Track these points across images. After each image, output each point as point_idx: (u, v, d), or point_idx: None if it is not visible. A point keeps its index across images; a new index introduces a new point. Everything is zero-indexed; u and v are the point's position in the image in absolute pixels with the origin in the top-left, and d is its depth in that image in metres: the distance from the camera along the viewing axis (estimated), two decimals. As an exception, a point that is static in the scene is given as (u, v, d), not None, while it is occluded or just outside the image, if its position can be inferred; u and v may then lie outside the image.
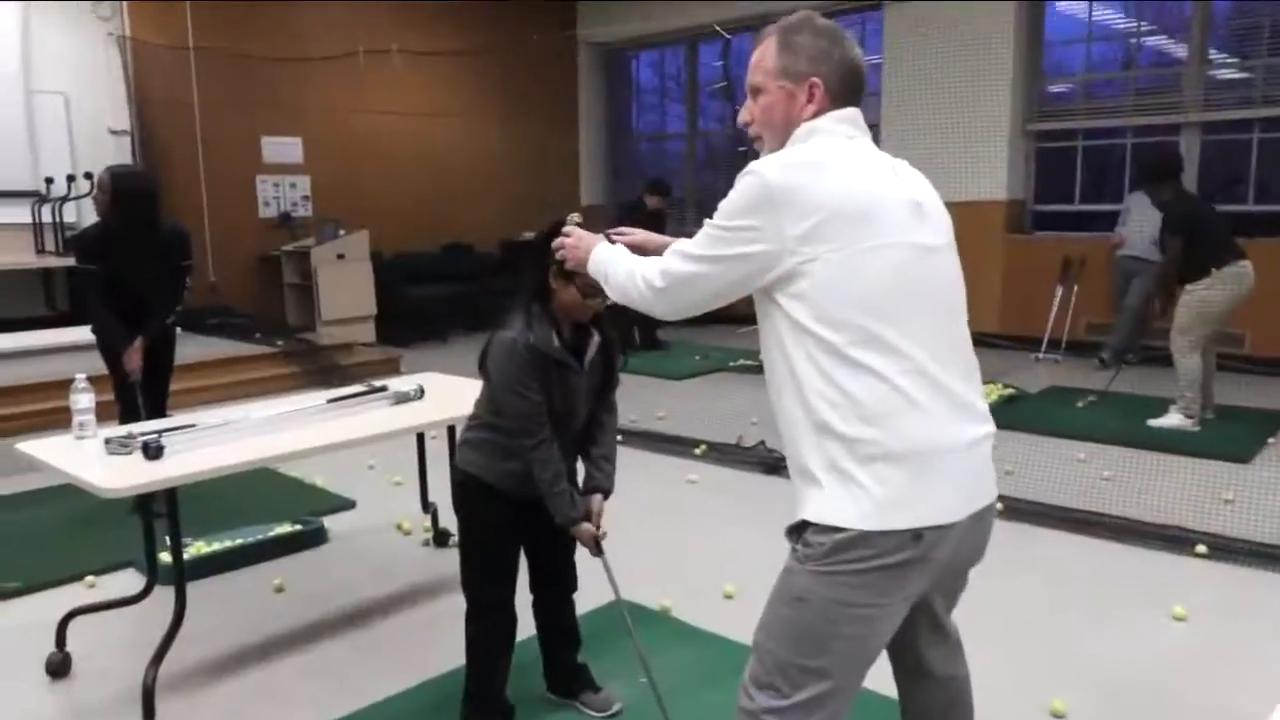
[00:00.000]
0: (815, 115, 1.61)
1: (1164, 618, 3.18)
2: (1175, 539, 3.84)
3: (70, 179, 7.95)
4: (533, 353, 2.17)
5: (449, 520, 3.73)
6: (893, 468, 1.46)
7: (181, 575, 2.69)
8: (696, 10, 9.61)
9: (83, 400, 2.78)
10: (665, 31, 10.50)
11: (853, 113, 1.64)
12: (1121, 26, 8.27)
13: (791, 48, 1.62)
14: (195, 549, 3.65)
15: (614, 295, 1.78)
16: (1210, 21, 7.55)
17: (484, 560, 2.38)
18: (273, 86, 9.06)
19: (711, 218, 1.60)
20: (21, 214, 7.86)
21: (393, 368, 7.93)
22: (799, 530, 1.55)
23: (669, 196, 8.10)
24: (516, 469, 2.27)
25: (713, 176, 10.95)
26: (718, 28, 5.13)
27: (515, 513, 2.35)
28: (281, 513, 4.08)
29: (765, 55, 1.65)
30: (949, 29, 8.36)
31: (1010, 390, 6.47)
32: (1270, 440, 5.34)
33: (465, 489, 2.38)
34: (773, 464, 4.90)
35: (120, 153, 8.23)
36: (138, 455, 2.55)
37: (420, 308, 9.27)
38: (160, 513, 3.87)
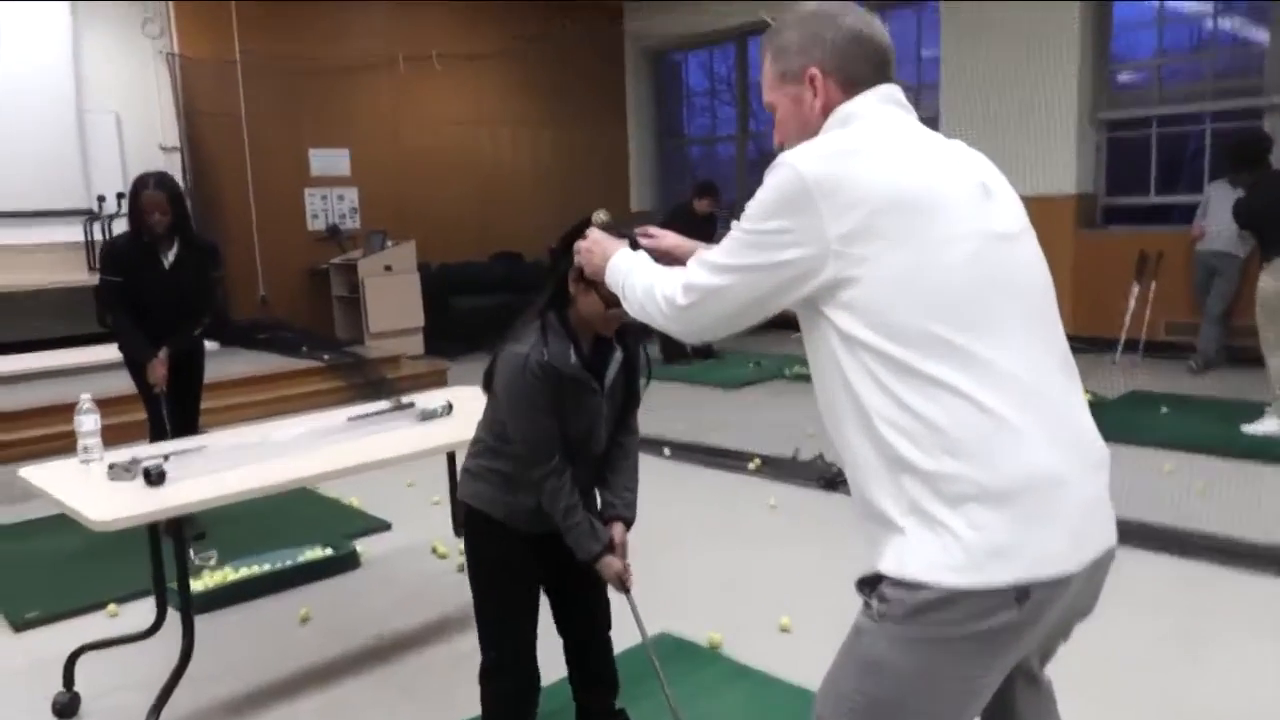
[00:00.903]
0: (826, 107, 1.39)
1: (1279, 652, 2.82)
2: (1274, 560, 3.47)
3: (120, 196, 7.95)
4: (546, 371, 1.91)
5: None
6: (989, 509, 1.19)
7: (189, 610, 2.50)
8: (744, 8, 9.34)
9: (87, 422, 2.62)
10: (713, 31, 10.26)
11: (892, 90, 1.40)
12: (1192, 9, 7.79)
13: (781, 49, 1.44)
14: (221, 576, 3.49)
15: (632, 312, 1.55)
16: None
17: (499, 609, 2.13)
18: (319, 98, 9.02)
19: (739, 221, 1.36)
20: (75, 233, 7.91)
21: (440, 380, 7.80)
22: (873, 583, 1.28)
23: (718, 198, 7.84)
24: (528, 502, 2.02)
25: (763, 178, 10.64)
26: (767, 17, 4.84)
27: (531, 549, 2.10)
28: (315, 535, 3.91)
29: (765, 70, 1.48)
30: (1009, 16, 7.96)
31: (1087, 396, 6.06)
32: (1379, 447, 4.88)
33: (472, 526, 2.13)
34: (831, 479, 4.60)
35: (171, 168, 8.19)
36: (140, 481, 2.37)
37: (468, 318, 9.12)
38: (190, 535, 3.79)
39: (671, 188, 11.61)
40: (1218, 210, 6.66)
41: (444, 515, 3.89)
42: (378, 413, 3.01)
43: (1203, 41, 7.76)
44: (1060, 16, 7.74)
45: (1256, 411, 5.19)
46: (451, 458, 3.33)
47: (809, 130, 1.40)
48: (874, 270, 1.22)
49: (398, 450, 2.69)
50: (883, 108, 1.37)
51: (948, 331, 1.21)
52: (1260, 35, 7.37)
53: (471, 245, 9.87)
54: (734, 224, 1.37)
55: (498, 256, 10.07)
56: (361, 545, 3.91)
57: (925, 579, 1.19)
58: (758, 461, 4.96)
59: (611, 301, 1.83)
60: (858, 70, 1.39)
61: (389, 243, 8.72)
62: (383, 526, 4.21)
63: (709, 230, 7.59)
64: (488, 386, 2.06)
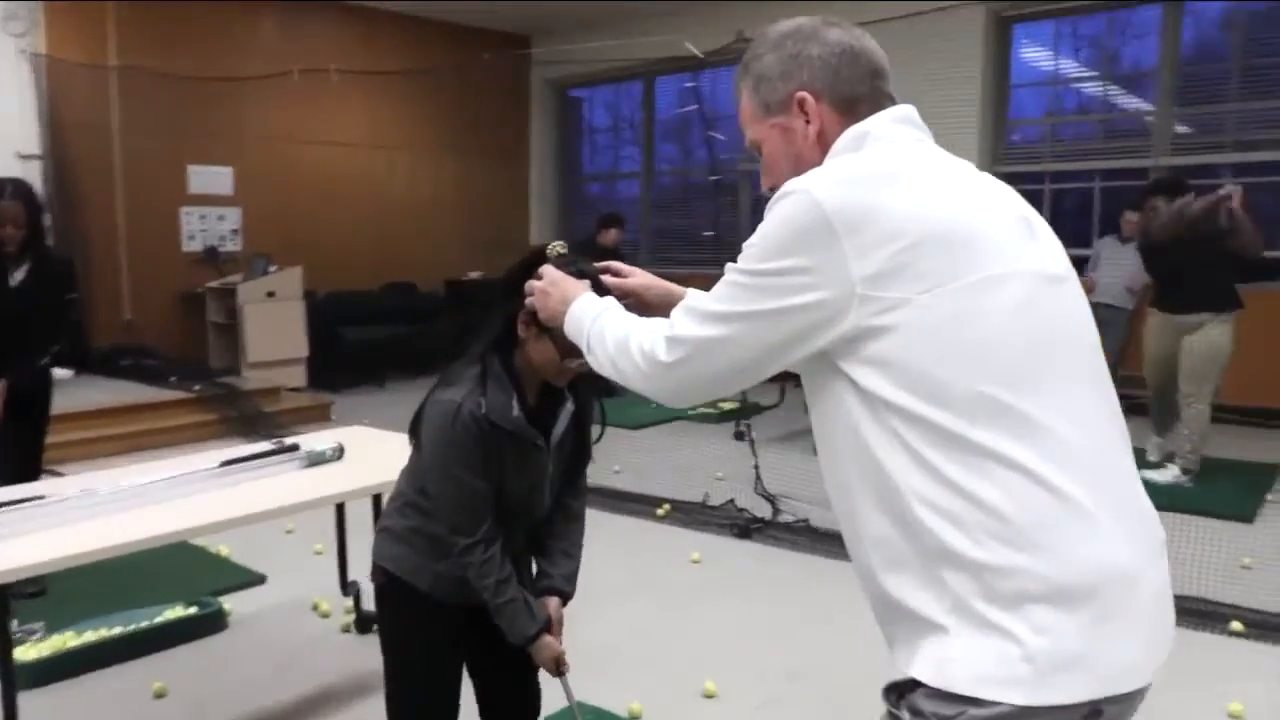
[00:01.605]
0: (824, 135, 1.18)
1: (1221, 715, 2.72)
2: (1204, 614, 3.41)
3: (-33, 205, 7.24)
4: (482, 424, 1.62)
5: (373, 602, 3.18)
6: (1058, 610, 0.96)
7: (11, 687, 2.07)
8: (652, 45, 9.26)
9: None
10: (621, 67, 10.14)
11: (906, 110, 1.19)
12: (1082, 74, 8.10)
13: (761, 78, 1.23)
14: (59, 641, 3.01)
15: (600, 368, 1.28)
16: (1178, 66, 7.37)
17: (417, 696, 1.81)
18: (203, 112, 8.45)
19: (735, 260, 1.13)
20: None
21: (323, 414, 7.33)
22: (902, 690, 1.05)
23: (623, 229, 7.66)
24: (459, 570, 1.71)
25: (667, 217, 10.54)
26: (690, 46, 4.72)
27: (458, 625, 1.79)
28: (175, 590, 3.46)
29: (743, 104, 1.27)
30: (914, 66, 8.09)
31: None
32: (1269, 497, 5.00)
33: (388, 596, 1.81)
34: (744, 526, 4.39)
35: (29, 178, 7.54)
36: (-46, 540, 1.95)
37: (356, 350, 8.65)
38: (24, 592, 3.29)
39: (573, 224, 11.40)
40: (1107, 264, 6.86)
41: (328, 566, 3.51)
42: (257, 456, 2.64)
43: (1092, 104, 8.05)
44: (964, 72, 7.91)
45: (1143, 460, 5.26)
46: (341, 508, 2.97)
47: (805, 164, 1.18)
48: (909, 318, 1.00)
49: (279, 501, 2.34)
50: (899, 129, 1.16)
51: (1001, 391, 0.99)
52: (1140, 104, 7.70)
53: (363, 274, 9.40)
54: (729, 265, 1.13)
55: (390, 286, 9.63)
56: (230, 602, 3.47)
57: (977, 694, 0.96)
58: (666, 507, 4.72)
59: (570, 351, 1.56)
60: (854, 88, 1.18)
61: (273, 268, 8.19)
62: (256, 580, 3.76)
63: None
64: (414, 434, 1.75)
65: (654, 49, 9.22)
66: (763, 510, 4.60)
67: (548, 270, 1.48)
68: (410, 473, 1.78)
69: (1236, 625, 3.32)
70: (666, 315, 1.55)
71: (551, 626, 1.75)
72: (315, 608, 3.46)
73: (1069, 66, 8.11)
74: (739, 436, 6.07)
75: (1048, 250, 1.10)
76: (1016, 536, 0.97)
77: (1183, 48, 7.36)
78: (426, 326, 9.27)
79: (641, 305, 1.47)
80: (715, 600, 3.61)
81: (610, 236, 7.41)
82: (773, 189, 1.26)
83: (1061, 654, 0.95)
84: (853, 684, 2.92)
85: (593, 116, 11.61)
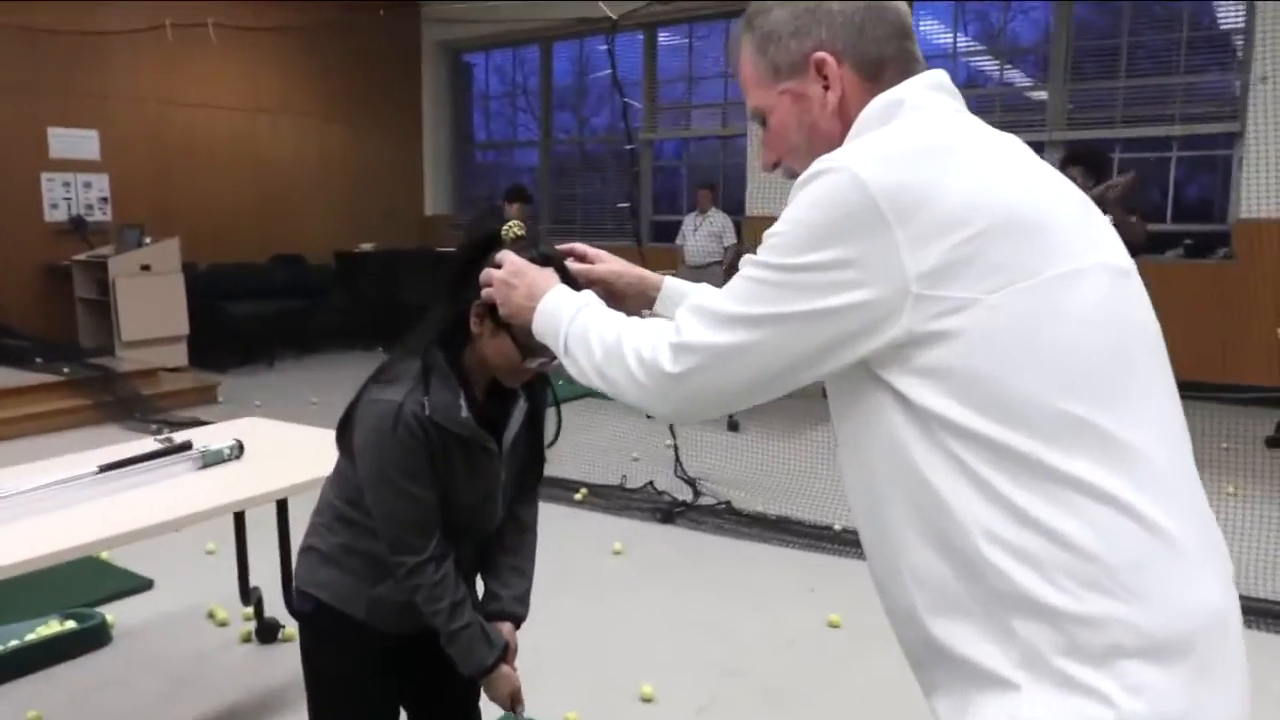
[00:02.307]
0: (844, 104, 1.01)
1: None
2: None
3: None
4: (426, 427, 1.42)
5: (277, 608, 2.94)
6: (1157, 666, 0.83)
7: None
8: (557, 6, 8.97)
9: None
10: (518, 30, 9.80)
11: (939, 75, 1.02)
12: (975, 49, 8.22)
13: (769, 35, 1.04)
14: (-86, 668, 2.67)
15: (584, 377, 1.08)
16: (1071, 41, 7.53)
17: None
18: (63, 68, 7.78)
19: (756, 250, 0.95)
20: None
21: (209, 396, 6.90)
22: None
23: (530, 204, 7.40)
24: (399, 594, 1.50)
25: (569, 185, 10.30)
26: (604, 6, 4.49)
27: (395, 656, 1.59)
28: (50, 601, 3.12)
29: (745, 67, 1.08)
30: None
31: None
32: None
33: (316, 626, 1.58)
34: (667, 510, 4.28)
35: None
36: None
37: (242, 327, 8.15)
38: None
39: (469, 193, 11.04)
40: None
41: (223, 566, 3.22)
42: (144, 458, 2.35)
43: (984, 79, 8.17)
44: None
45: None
46: (241, 516, 2.71)
47: (820, 137, 1.02)
48: (975, 321, 0.85)
49: (173, 511, 2.07)
50: (935, 97, 1.00)
51: (1083, 407, 0.85)
52: (1037, 78, 7.86)
53: (247, 245, 8.88)
54: (747, 258, 0.95)
55: (277, 258, 9.14)
56: (114, 613, 3.15)
57: None
58: (584, 491, 4.56)
59: (532, 350, 1.37)
60: (880, 49, 1.01)
61: (147, 239, 7.61)
62: (142, 586, 3.44)
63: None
64: (342, 439, 1.52)
65: (559, 9, 8.94)
66: (683, 493, 4.49)
67: (508, 257, 1.28)
68: (339, 483, 1.56)
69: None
70: (639, 308, 1.39)
71: (509, 655, 1.57)
72: (211, 616, 3.18)
73: (963, 41, 8.21)
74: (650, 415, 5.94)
75: (1111, 239, 0.97)
76: (1107, 580, 0.83)
77: (1074, 24, 7.52)
78: (318, 301, 8.83)
79: (610, 297, 1.28)
80: (642, 592, 3.49)
81: (514, 211, 7.15)
82: (776, 165, 1.11)
83: (1161, 717, 0.83)
84: (793, 678, 2.84)
85: (487, 82, 11.23)
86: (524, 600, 1.63)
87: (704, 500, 4.40)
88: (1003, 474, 0.85)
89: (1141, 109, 7.23)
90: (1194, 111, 7.08)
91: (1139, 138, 7.20)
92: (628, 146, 4.48)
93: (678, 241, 8.16)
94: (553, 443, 1.68)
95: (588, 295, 1.16)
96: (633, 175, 4.72)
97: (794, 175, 1.08)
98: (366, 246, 9.67)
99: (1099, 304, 0.89)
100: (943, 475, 0.88)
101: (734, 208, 8.44)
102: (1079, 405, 0.85)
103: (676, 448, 4.85)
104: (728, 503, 4.30)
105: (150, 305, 7.47)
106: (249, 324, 8.16)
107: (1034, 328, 0.86)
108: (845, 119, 1.01)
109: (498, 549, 1.64)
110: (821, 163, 0.91)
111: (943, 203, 0.86)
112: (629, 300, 1.34)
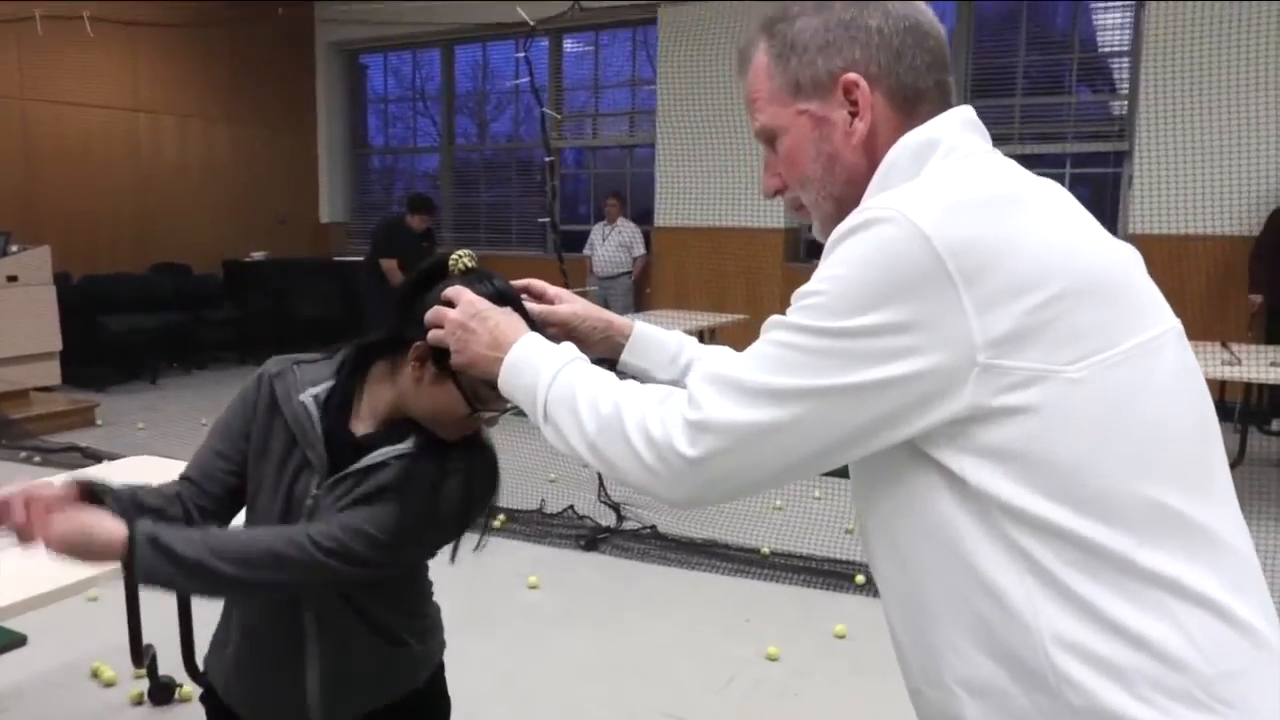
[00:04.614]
0: (872, 136, 0.89)
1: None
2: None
3: None
4: (263, 386, 1.28)
5: (172, 662, 2.67)
6: None
7: None
8: (451, 10, 8.71)
9: None
10: (417, 33, 9.50)
11: (970, 113, 0.92)
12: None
13: (792, 45, 0.92)
14: None
15: (567, 449, 0.93)
16: (970, 61, 7.71)
17: None
18: (-87, 62, 7.14)
19: (787, 310, 0.84)
20: None
21: (86, 419, 6.41)
22: None
23: (435, 213, 7.18)
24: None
25: (471, 192, 10.04)
26: (521, 11, 4.32)
27: None
28: (-96, 665, 2.78)
29: (758, 78, 0.95)
30: (726, 48, 8.01)
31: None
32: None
33: None
34: (589, 536, 4.13)
35: None
36: None
37: (121, 342, 7.61)
38: None
39: (365, 200, 10.66)
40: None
41: (107, 618, 2.92)
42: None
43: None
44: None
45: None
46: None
47: (841, 169, 0.91)
48: (1052, 395, 0.75)
49: (58, 578, 1.82)
50: (970, 138, 0.89)
51: (1172, 495, 0.76)
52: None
53: (126, 254, 8.35)
54: (777, 319, 0.83)
55: (160, 268, 8.61)
56: (-18, 675, 2.83)
57: None
58: (502, 518, 4.37)
59: (483, 400, 1.20)
60: (917, 79, 0.89)
61: (14, 247, 7.04)
62: (14, 642, 3.09)
63: (426, 249, 6.95)
64: None
65: (463, 12, 8.70)
66: (605, 517, 4.35)
67: (464, 295, 1.10)
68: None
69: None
70: (604, 355, 1.25)
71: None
72: (95, 674, 2.87)
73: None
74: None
75: (1162, 298, 0.88)
76: (1199, 692, 0.74)
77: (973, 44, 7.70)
78: (204, 313, 8.35)
79: (570, 341, 1.13)
80: (565, 629, 3.32)
81: (418, 220, 6.91)
82: (779, 193, 0.98)
83: None
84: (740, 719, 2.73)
85: (385, 85, 10.86)
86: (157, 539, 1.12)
87: (628, 524, 4.27)
88: (1079, 571, 0.75)
89: (1038, 126, 7.46)
90: (1084, 130, 7.35)
91: (1035, 154, 7.43)
92: (547, 159, 4.31)
93: (585, 251, 8.03)
94: (477, 546, 1.38)
95: (569, 349, 1.01)
96: (552, 187, 4.54)
97: (799, 207, 0.97)
98: (257, 255, 9.21)
99: (1178, 375, 0.80)
100: (1005, 571, 0.77)
101: (641, 217, 8.38)
102: (1167, 492, 0.76)
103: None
104: (653, 527, 4.18)
105: (18, 319, 6.89)
106: (129, 338, 7.64)
107: (1122, 404, 0.76)
108: (871, 153, 0.90)
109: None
110: (869, 211, 0.79)
111: (1016, 261, 0.75)
112: (592, 347, 1.20)
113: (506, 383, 1.02)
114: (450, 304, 1.11)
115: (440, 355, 1.14)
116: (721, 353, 1.16)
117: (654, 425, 0.85)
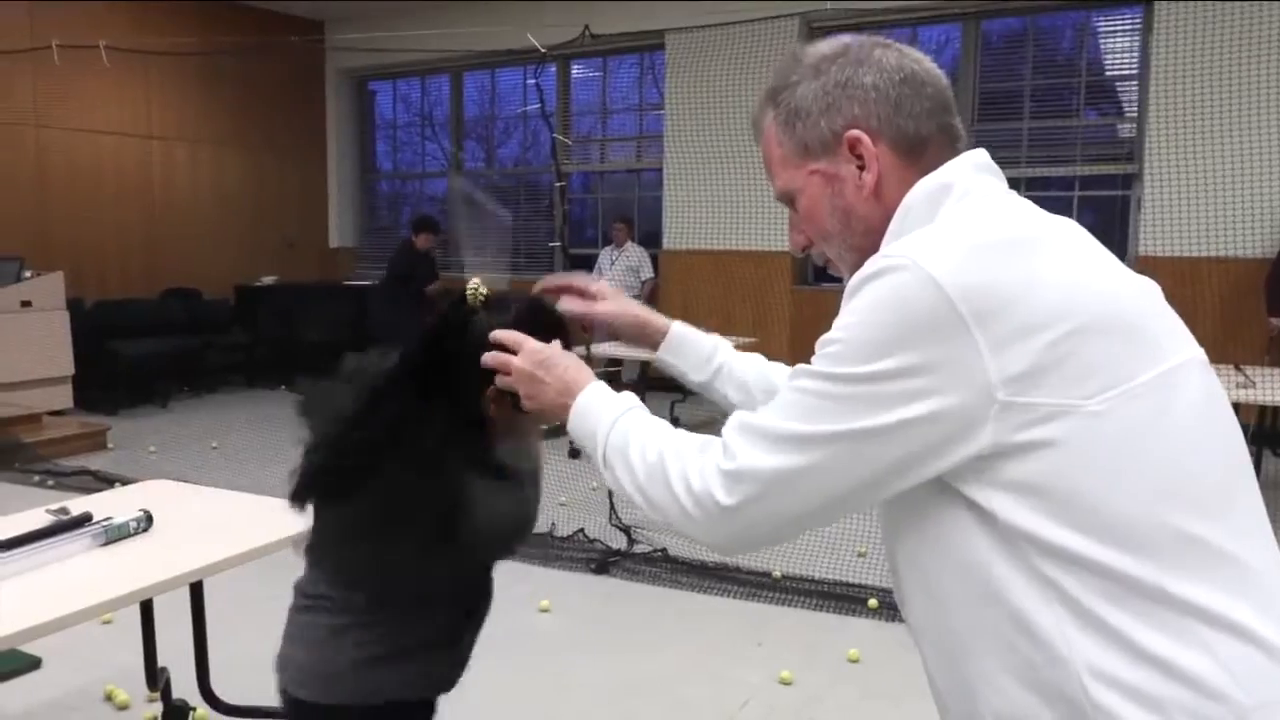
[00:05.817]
0: (881, 186, 0.93)
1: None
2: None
3: None
4: None
5: (186, 685, 2.66)
6: None
7: None
8: (461, 38, 8.80)
9: None
10: (426, 60, 9.59)
11: (983, 155, 0.95)
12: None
13: (796, 112, 0.97)
14: None
15: (622, 492, 0.98)
16: (976, 85, 7.75)
17: None
18: (-71, 90, 7.24)
19: (810, 360, 0.86)
20: None
21: (98, 443, 6.44)
22: None
23: (440, 234, 7.27)
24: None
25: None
26: (532, 38, 4.38)
27: None
28: (-82, 690, 2.78)
29: (770, 144, 1.02)
30: (730, 76, 8.08)
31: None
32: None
33: None
34: (600, 559, 4.12)
35: None
36: None
37: (133, 366, 7.67)
38: None
39: (374, 224, 10.74)
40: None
41: (122, 640, 2.92)
42: (32, 537, 2.08)
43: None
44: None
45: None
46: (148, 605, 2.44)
47: (857, 221, 0.94)
48: (1073, 429, 0.76)
49: (70, 604, 1.82)
50: (984, 180, 0.92)
51: (1196, 523, 0.77)
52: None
53: (138, 280, 8.42)
54: (801, 368, 0.86)
55: (171, 293, 8.67)
56: (-5, 699, 2.83)
57: None
58: (511, 542, 4.36)
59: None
60: (919, 126, 0.93)
61: (27, 273, 7.12)
62: (28, 665, 3.10)
63: (432, 269, 7.04)
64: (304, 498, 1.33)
65: (476, 40, 8.79)
66: (616, 540, 4.34)
67: (528, 345, 1.12)
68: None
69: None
70: (641, 348, 1.28)
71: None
72: (109, 698, 2.88)
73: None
74: (574, 454, 5.79)
75: (1185, 328, 0.89)
76: None
77: (979, 68, 7.74)
78: (214, 338, 8.40)
79: (608, 337, 1.18)
80: (580, 651, 3.31)
81: (424, 241, 7.00)
82: (807, 249, 1.01)
83: None
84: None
85: (394, 110, 10.96)
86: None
87: (639, 548, 4.26)
88: (1110, 602, 0.76)
89: (1045, 150, 7.48)
90: (1092, 153, 7.36)
91: (1043, 177, 7.45)
92: (557, 184, 4.36)
93: (593, 275, 8.05)
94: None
95: (628, 399, 1.04)
96: (563, 212, 4.59)
97: (827, 261, 1.01)
98: (267, 280, 9.27)
99: (1202, 404, 0.81)
100: (1036, 604, 0.78)
101: (649, 241, 8.41)
102: (1193, 520, 0.77)
103: (612, 493, 4.70)
104: (664, 550, 4.17)
105: (31, 344, 6.95)
106: (140, 363, 7.69)
107: (1143, 435, 0.77)
108: (884, 202, 0.93)
109: None
110: (883, 259, 0.82)
111: (1029, 301, 0.77)
112: (628, 342, 1.28)
113: (575, 429, 1.06)
114: (502, 345, 1.13)
115: (514, 395, 1.16)
116: (752, 383, 1.20)
117: (694, 475, 0.88)
